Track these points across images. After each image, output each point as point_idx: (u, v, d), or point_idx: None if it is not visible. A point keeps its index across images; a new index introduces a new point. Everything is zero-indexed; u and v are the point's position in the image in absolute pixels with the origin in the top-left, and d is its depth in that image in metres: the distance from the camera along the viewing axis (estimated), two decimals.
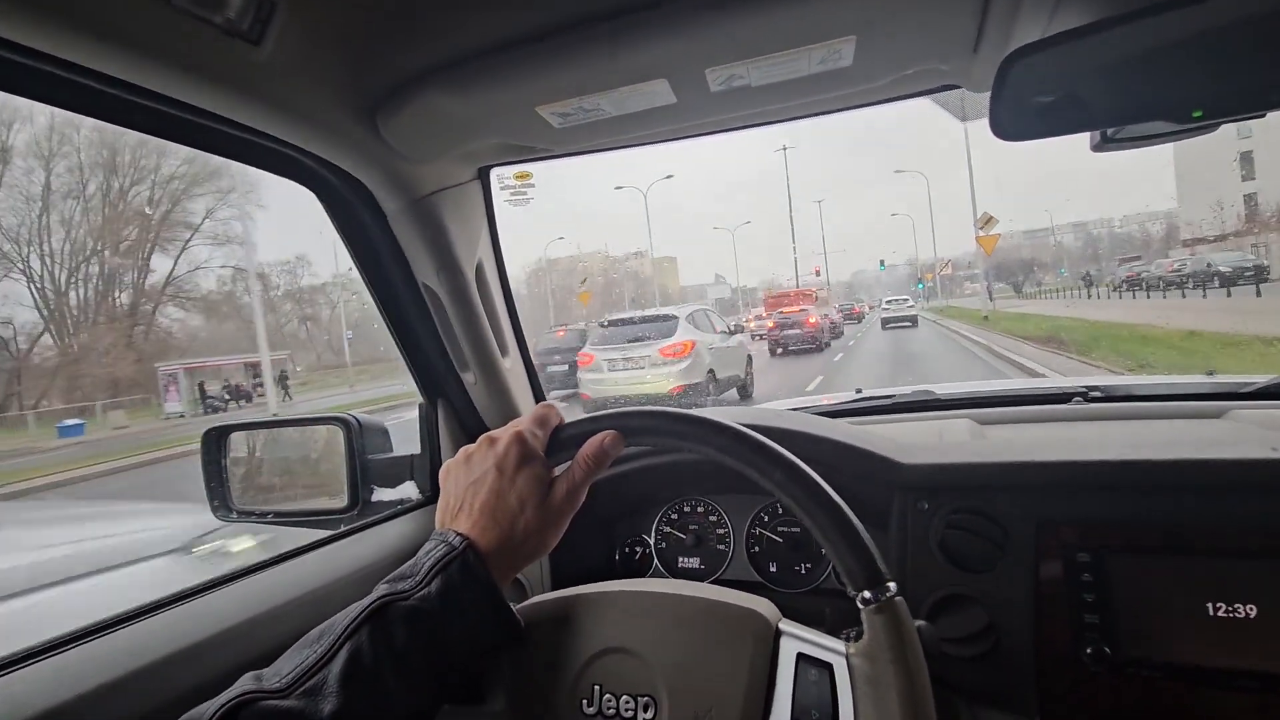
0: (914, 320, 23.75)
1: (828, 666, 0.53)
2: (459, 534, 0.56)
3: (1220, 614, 0.65)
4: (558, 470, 0.62)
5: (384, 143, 0.82)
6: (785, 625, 0.58)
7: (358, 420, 1.14)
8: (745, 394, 9.95)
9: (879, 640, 0.50)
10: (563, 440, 0.62)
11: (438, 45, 0.71)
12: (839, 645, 0.54)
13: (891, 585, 0.51)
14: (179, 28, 0.58)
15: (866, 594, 0.51)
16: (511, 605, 0.57)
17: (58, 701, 0.60)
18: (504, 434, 0.60)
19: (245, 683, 0.48)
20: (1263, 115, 0.56)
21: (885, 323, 24.59)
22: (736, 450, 0.56)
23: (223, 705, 0.46)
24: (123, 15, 0.55)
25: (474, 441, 1.14)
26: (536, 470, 0.58)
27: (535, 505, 0.57)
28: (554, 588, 1.00)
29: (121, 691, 0.64)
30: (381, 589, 0.53)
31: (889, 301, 27.73)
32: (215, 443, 1.12)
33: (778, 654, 0.56)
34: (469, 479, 0.59)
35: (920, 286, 38.22)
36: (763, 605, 0.59)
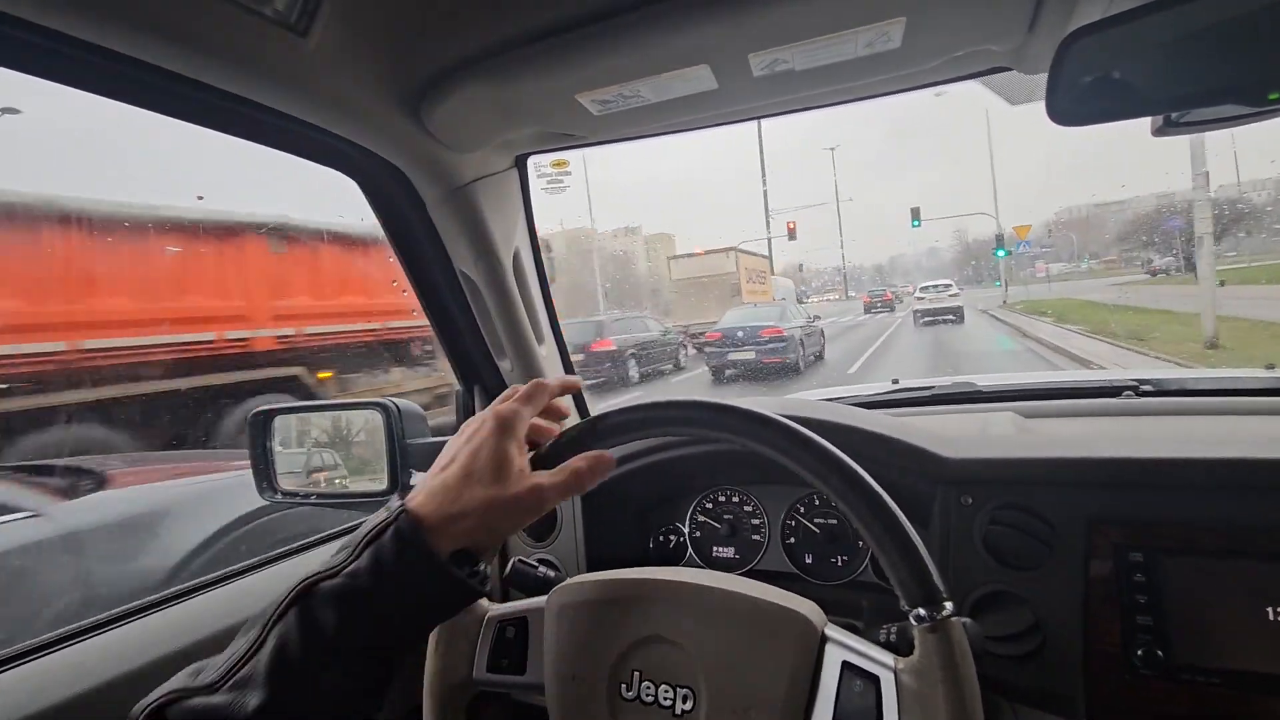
0: (959, 314, 17.07)
1: (874, 679, 0.52)
2: (401, 504, 0.53)
3: None
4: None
5: (426, 132, 0.83)
6: (831, 631, 0.57)
7: (397, 405, 1.17)
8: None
9: (931, 660, 0.49)
10: (556, 440, 0.62)
11: (480, 35, 0.71)
12: (887, 658, 0.53)
13: (948, 604, 0.50)
14: (228, 20, 0.59)
15: (921, 611, 0.50)
16: (464, 572, 0.52)
17: (88, 687, 0.64)
18: (489, 409, 0.58)
19: (181, 679, 0.47)
20: None
21: (920, 316, 17.87)
22: (796, 452, 0.55)
23: (148, 705, 0.45)
24: (174, 8, 0.56)
25: None
26: (503, 445, 0.55)
27: (487, 481, 0.53)
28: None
29: (162, 670, 0.67)
30: (314, 566, 0.50)
31: (924, 289, 19.21)
32: (261, 425, 1.15)
33: (822, 660, 0.55)
34: (453, 447, 0.57)
35: (1001, 254, 22.79)
36: (809, 608, 0.58)
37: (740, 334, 10.66)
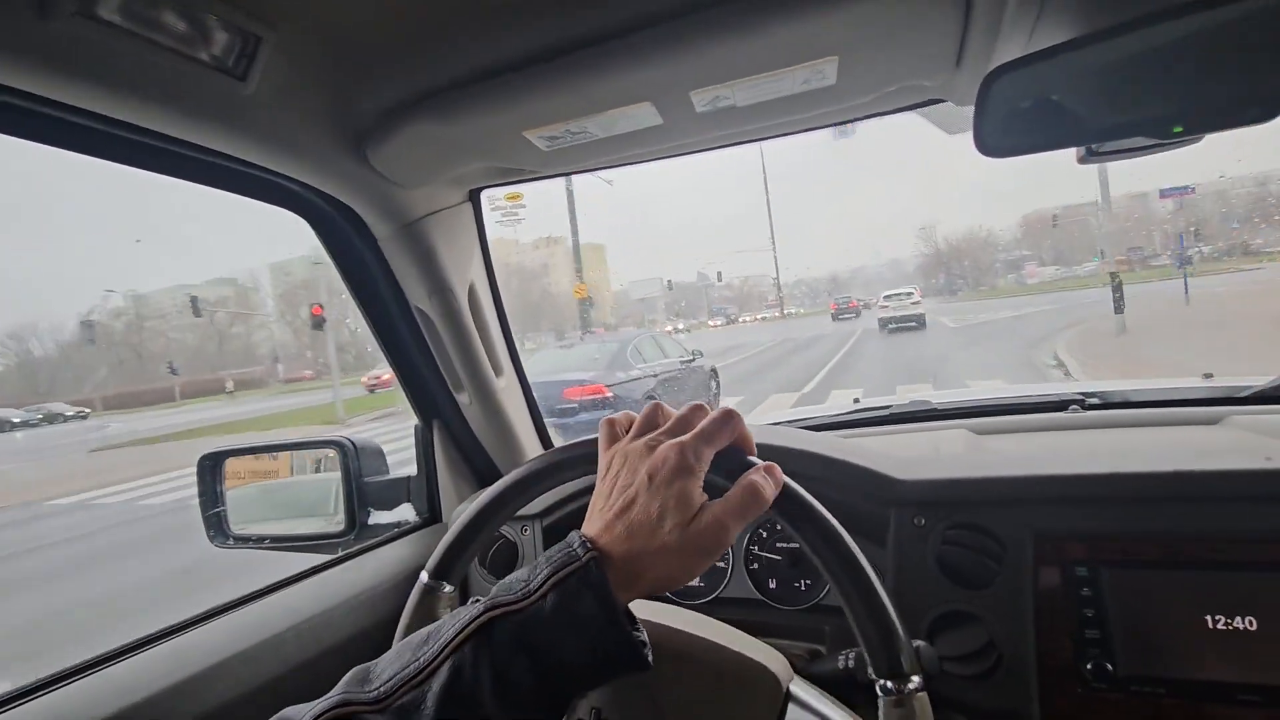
0: (920, 320, 17.55)
1: None
2: (586, 540, 0.49)
3: (1220, 627, 0.65)
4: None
5: (373, 170, 0.83)
6: (795, 688, 0.57)
7: (353, 443, 1.14)
8: None
9: None
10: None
11: (423, 75, 0.72)
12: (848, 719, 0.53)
13: (914, 679, 0.49)
14: (166, 66, 0.58)
15: (888, 684, 0.49)
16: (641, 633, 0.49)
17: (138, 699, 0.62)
18: (666, 442, 0.52)
19: (349, 684, 0.46)
20: (1243, 127, 0.56)
21: (884, 324, 18.00)
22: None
23: (319, 714, 0.44)
24: (110, 55, 0.56)
25: (467, 465, 1.12)
26: (688, 487, 0.50)
27: (676, 524, 0.49)
28: None
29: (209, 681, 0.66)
30: (495, 592, 0.48)
31: (888, 297, 19.46)
32: (210, 470, 1.12)
33: (784, 718, 0.55)
34: (619, 480, 0.52)
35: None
36: (776, 662, 0.58)
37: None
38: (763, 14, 0.62)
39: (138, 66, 0.58)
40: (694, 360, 8.87)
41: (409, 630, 0.69)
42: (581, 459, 0.61)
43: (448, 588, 0.66)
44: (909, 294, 19.29)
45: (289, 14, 0.61)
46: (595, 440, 0.58)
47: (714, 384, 9.36)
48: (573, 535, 0.50)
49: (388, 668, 0.46)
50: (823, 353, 15.14)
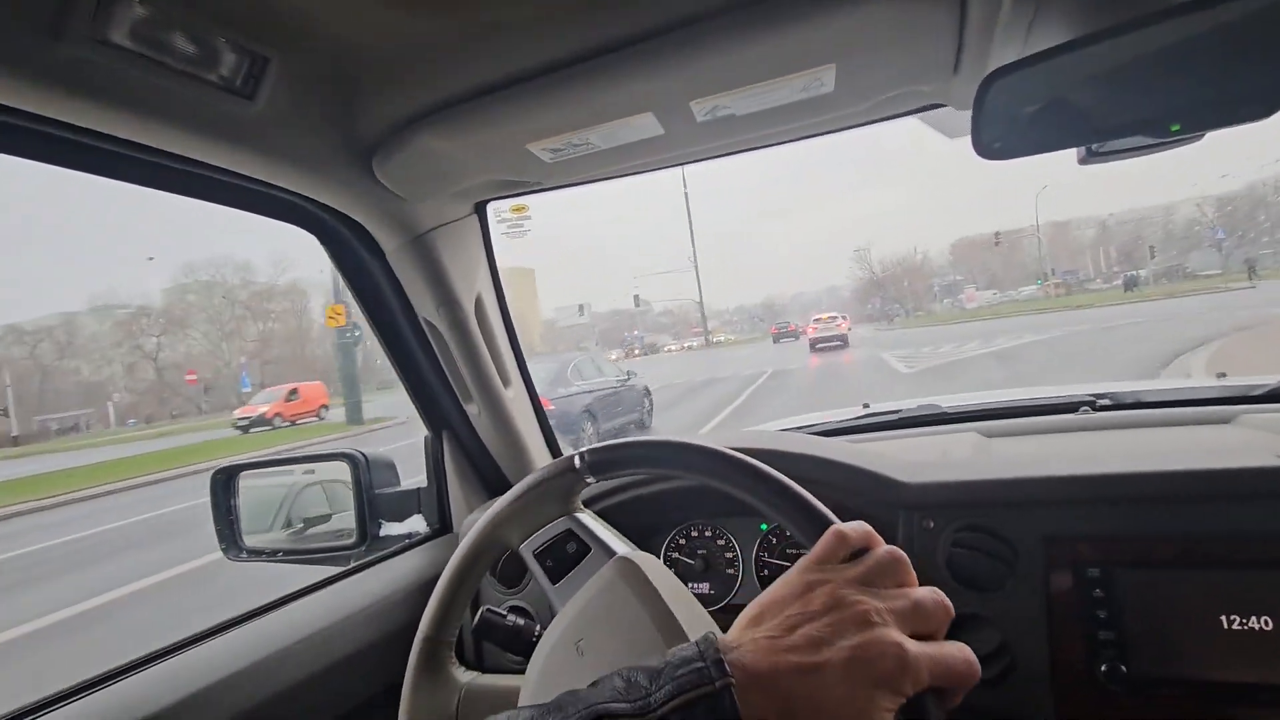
0: (844, 339, 22.15)
1: None
2: (724, 660, 0.41)
3: (1235, 627, 0.64)
4: None
5: (380, 185, 0.85)
6: None
7: (364, 455, 1.15)
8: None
9: None
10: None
11: (427, 92, 0.73)
12: None
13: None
14: (176, 87, 0.60)
15: None
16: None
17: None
18: (893, 633, 0.42)
19: None
20: (1241, 124, 0.56)
21: (814, 344, 22.15)
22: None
23: None
24: (121, 77, 0.57)
25: (484, 483, 1.10)
26: (883, 703, 0.40)
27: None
28: None
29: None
30: (607, 691, 0.41)
31: (818, 320, 24.57)
32: (224, 484, 1.14)
33: None
34: (815, 623, 0.42)
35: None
36: None
37: None
38: (760, 24, 0.63)
39: (148, 88, 0.59)
40: (629, 379, 9.59)
41: (537, 484, 0.68)
42: (797, 523, 0.55)
43: (590, 479, 0.68)
44: (835, 318, 24.68)
45: (295, 35, 0.62)
46: (825, 519, 0.53)
47: (647, 401, 9.84)
48: (706, 642, 0.42)
49: None
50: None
